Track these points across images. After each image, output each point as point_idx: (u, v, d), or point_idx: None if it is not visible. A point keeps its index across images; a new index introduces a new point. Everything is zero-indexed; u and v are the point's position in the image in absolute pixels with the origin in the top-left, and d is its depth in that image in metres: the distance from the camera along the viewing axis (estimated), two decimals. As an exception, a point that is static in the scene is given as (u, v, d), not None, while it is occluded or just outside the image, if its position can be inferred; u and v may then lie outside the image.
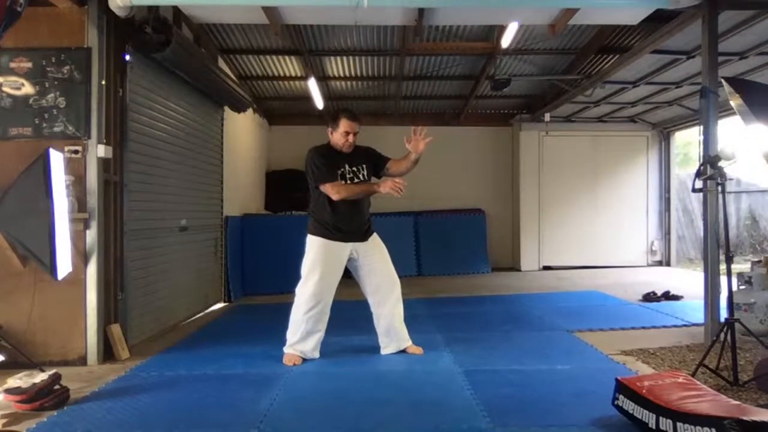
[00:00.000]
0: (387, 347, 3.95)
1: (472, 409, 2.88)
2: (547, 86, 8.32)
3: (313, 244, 3.84)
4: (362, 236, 3.89)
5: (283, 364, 3.74)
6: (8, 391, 2.94)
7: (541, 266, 9.32)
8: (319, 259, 3.79)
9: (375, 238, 3.97)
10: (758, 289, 4.29)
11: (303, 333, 3.83)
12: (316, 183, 3.82)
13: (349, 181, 3.83)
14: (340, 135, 3.84)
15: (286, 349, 3.85)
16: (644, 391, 2.53)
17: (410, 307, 5.75)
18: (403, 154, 3.94)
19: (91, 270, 3.86)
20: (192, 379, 3.50)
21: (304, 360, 3.83)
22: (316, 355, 3.89)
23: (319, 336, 3.88)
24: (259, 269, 7.03)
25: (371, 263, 3.90)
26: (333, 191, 3.74)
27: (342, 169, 3.84)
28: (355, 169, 3.88)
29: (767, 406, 2.77)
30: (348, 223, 3.82)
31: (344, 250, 3.84)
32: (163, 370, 3.68)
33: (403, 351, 3.95)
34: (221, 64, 6.67)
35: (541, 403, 2.96)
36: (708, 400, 2.41)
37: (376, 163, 4.00)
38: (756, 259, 4.82)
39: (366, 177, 3.91)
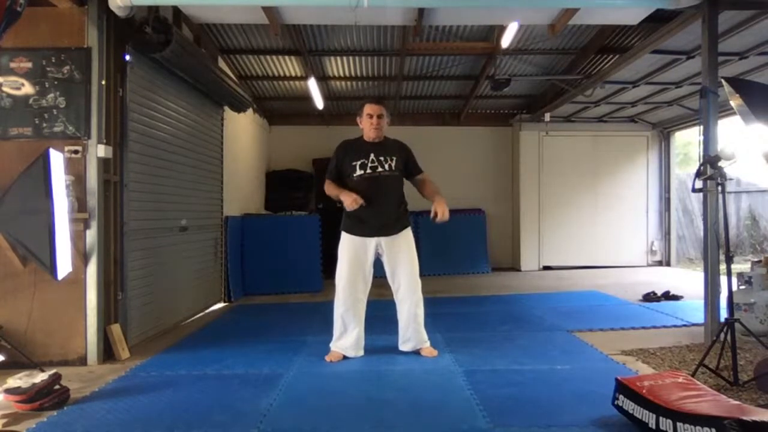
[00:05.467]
0: (404, 344, 3.96)
1: (472, 409, 2.88)
2: (547, 86, 8.32)
3: (341, 239, 3.90)
4: (385, 231, 3.82)
5: (285, 364, 3.74)
6: (8, 391, 2.94)
7: (541, 266, 9.33)
8: (343, 254, 3.86)
9: (403, 236, 3.87)
10: (758, 289, 4.29)
11: (339, 329, 3.89)
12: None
13: (370, 171, 3.78)
14: (365, 120, 3.85)
15: (330, 346, 3.91)
16: (644, 391, 2.53)
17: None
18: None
19: (91, 270, 3.86)
20: (192, 379, 3.50)
21: (345, 357, 3.86)
22: (360, 353, 3.90)
23: (355, 333, 3.87)
24: (259, 269, 7.03)
25: (394, 264, 3.85)
26: (324, 186, 3.91)
27: (364, 159, 3.80)
28: (381, 158, 3.81)
29: (767, 406, 2.76)
30: (366, 217, 3.79)
31: (367, 245, 3.83)
32: (163, 370, 3.68)
33: (418, 351, 3.94)
34: (221, 64, 6.67)
35: (541, 403, 2.96)
36: (708, 400, 2.41)
37: (407, 163, 3.94)
38: (756, 259, 4.82)
39: (393, 168, 3.82)
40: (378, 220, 3.81)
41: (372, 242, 3.83)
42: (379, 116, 3.83)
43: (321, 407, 2.98)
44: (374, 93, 8.61)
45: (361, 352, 3.91)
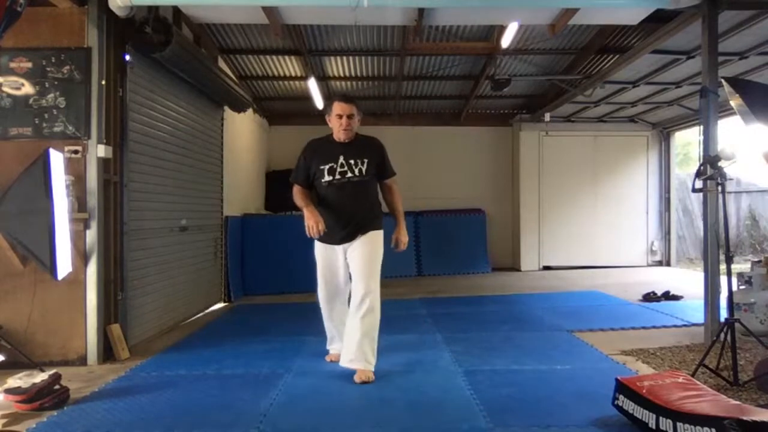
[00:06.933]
0: (342, 360, 3.48)
1: (472, 409, 2.88)
2: (547, 86, 8.32)
3: (315, 245, 3.73)
4: (350, 237, 3.52)
5: (285, 364, 3.75)
6: (8, 391, 2.94)
7: (541, 266, 9.33)
8: (319, 261, 3.70)
9: (365, 238, 3.51)
10: (758, 289, 4.29)
11: (329, 335, 3.86)
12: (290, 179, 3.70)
13: (339, 176, 3.48)
14: (334, 119, 3.52)
15: (327, 348, 3.89)
16: (644, 391, 2.53)
17: (410, 307, 5.78)
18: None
19: (91, 270, 3.86)
20: (192, 379, 3.50)
21: None
22: None
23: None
24: (259, 269, 7.04)
25: (351, 268, 3.53)
26: (293, 192, 3.66)
27: (332, 164, 3.49)
28: (352, 162, 3.49)
29: (767, 406, 2.76)
30: (335, 225, 3.49)
31: (337, 252, 3.60)
32: (163, 370, 3.69)
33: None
34: (221, 64, 6.67)
35: (541, 403, 2.96)
36: (708, 400, 2.41)
37: (380, 164, 3.61)
38: (756, 259, 4.82)
39: (364, 173, 3.50)
40: (346, 228, 3.51)
41: (340, 249, 3.58)
42: (350, 116, 3.49)
43: (321, 407, 2.98)
44: (374, 93, 8.61)
45: None
